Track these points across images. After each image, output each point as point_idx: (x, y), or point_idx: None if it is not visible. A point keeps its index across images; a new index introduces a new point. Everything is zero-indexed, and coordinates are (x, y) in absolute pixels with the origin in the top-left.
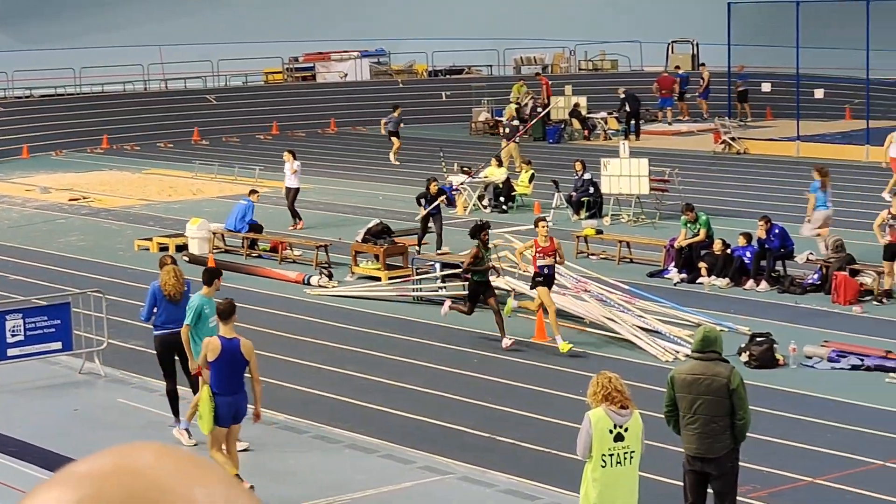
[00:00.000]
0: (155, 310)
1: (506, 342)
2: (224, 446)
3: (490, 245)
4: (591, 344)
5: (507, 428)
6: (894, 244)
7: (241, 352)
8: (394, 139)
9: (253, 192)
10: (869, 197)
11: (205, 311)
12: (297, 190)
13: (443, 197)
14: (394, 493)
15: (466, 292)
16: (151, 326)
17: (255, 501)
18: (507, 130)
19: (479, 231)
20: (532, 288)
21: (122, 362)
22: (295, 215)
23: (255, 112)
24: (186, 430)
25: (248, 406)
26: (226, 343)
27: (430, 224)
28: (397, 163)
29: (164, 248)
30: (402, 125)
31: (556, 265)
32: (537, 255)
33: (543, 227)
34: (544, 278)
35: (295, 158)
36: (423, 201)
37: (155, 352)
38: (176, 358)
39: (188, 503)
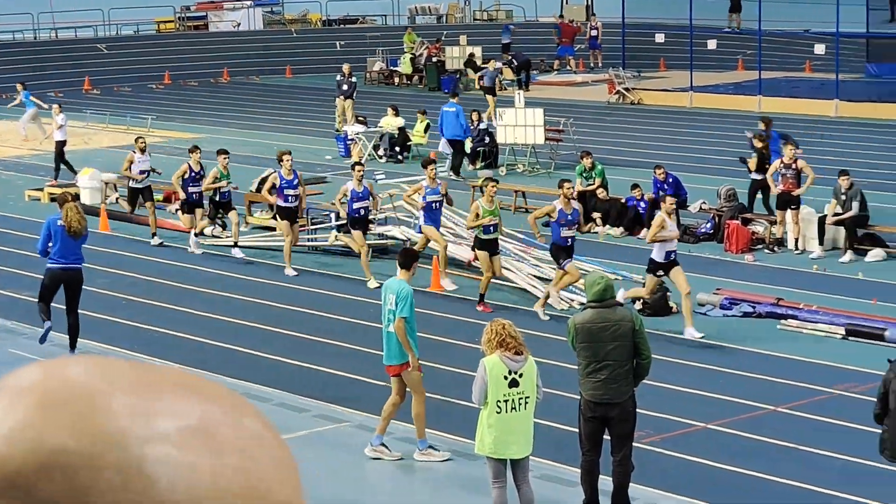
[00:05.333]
0: (50, 244)
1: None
2: None
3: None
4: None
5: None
6: (786, 193)
7: None
8: (488, 97)
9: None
10: None
11: (414, 300)
12: (64, 143)
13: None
14: (289, 441)
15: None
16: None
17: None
18: (346, 87)
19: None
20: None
21: (14, 313)
22: (58, 168)
23: (147, 62)
24: None
25: None
26: None
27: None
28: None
29: (54, 199)
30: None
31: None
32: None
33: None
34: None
35: (61, 111)
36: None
37: (43, 282)
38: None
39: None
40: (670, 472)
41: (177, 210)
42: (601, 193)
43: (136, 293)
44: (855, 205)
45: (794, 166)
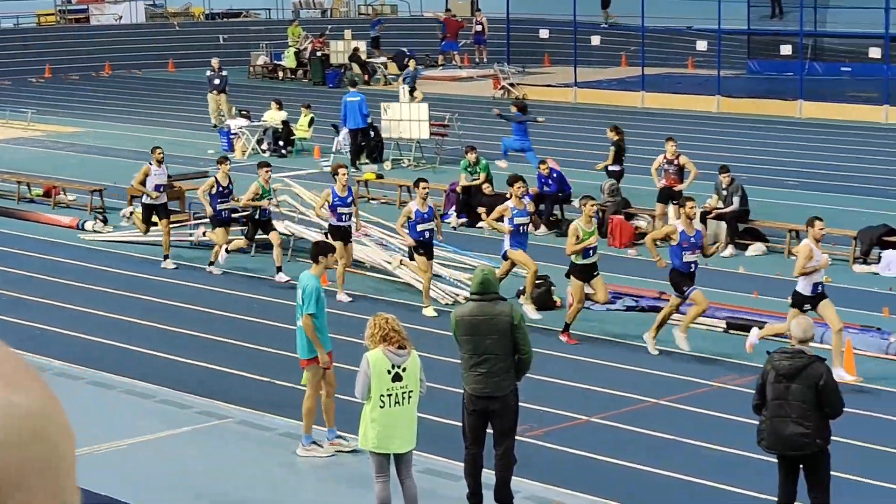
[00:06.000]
0: None
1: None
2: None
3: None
4: (372, 288)
5: (285, 372)
6: (669, 188)
7: None
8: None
9: None
10: (645, 142)
11: (321, 294)
12: None
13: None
14: (172, 438)
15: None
16: None
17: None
18: (217, 82)
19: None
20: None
21: None
22: None
23: (27, 55)
24: None
25: None
26: None
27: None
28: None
29: None
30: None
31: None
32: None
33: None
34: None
35: None
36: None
37: None
38: None
39: None
40: (553, 466)
41: (204, 232)
42: (487, 189)
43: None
44: (736, 200)
45: (676, 162)
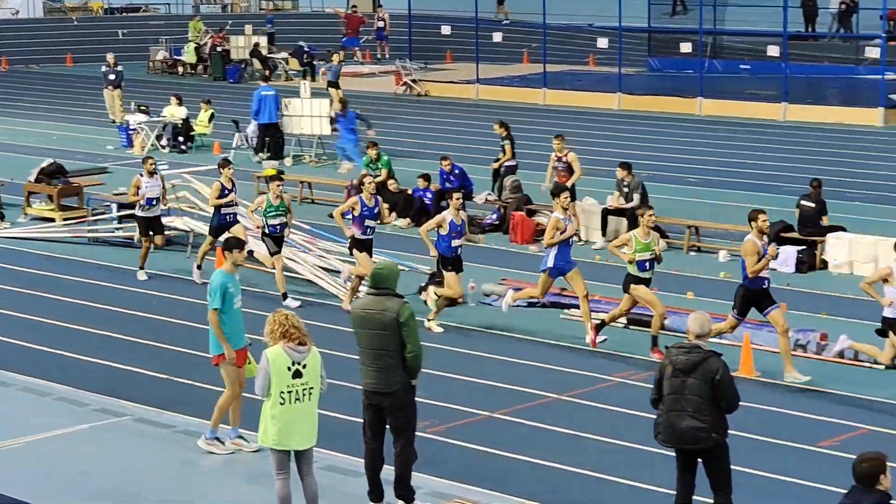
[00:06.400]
0: None
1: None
2: None
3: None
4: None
5: (186, 370)
6: (561, 185)
7: None
8: (332, 90)
9: None
10: (545, 139)
11: (228, 289)
12: None
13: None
14: (69, 435)
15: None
16: None
17: None
18: (113, 77)
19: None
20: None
21: None
22: None
23: None
24: None
25: None
26: None
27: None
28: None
29: None
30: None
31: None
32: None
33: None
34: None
35: None
36: None
37: None
38: None
39: None
40: (455, 461)
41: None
42: (392, 185)
43: None
44: (636, 196)
45: (564, 159)
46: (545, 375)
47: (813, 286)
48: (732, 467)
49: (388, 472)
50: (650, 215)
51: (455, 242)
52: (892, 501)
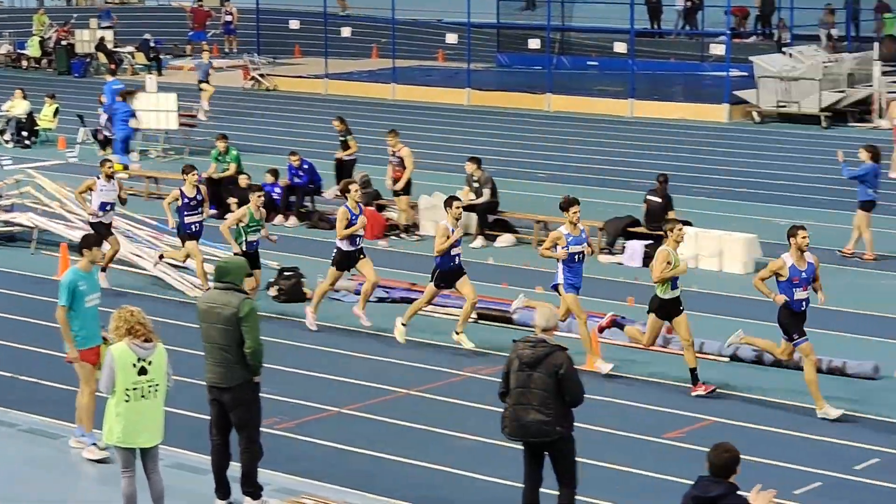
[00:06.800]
0: None
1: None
2: None
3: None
4: (123, 284)
5: (27, 366)
6: (396, 181)
7: None
8: (204, 85)
9: None
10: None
11: (79, 287)
12: None
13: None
14: None
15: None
16: None
17: None
18: None
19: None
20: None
21: None
22: None
23: None
24: None
25: None
26: None
27: None
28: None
29: None
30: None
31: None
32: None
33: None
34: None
35: None
36: None
37: None
38: None
39: None
40: (304, 458)
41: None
42: (243, 181)
43: None
44: (486, 191)
45: (398, 154)
46: (394, 370)
47: None
48: (579, 460)
49: (235, 470)
50: (680, 229)
51: (454, 251)
52: (739, 492)
